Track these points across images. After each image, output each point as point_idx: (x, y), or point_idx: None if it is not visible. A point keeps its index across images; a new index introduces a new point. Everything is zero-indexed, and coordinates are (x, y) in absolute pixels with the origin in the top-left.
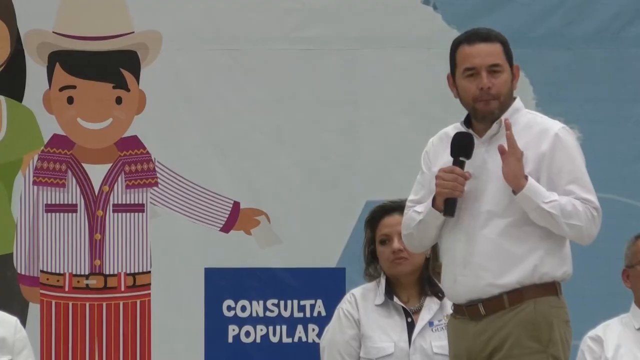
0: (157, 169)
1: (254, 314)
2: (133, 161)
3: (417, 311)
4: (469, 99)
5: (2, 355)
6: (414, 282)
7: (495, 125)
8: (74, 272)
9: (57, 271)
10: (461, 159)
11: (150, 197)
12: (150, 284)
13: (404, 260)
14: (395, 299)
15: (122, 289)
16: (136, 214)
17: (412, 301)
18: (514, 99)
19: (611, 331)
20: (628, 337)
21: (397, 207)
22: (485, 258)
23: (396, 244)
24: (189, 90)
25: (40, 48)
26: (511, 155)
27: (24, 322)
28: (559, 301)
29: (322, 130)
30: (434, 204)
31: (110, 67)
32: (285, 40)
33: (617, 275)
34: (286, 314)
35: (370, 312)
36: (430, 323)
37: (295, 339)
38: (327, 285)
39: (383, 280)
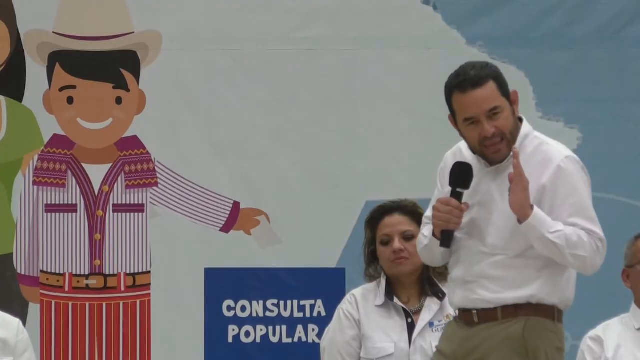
0: (157, 169)
1: (254, 314)
2: (133, 161)
3: (418, 312)
4: (475, 145)
5: (4, 356)
6: (414, 282)
7: (506, 162)
8: (74, 272)
9: (57, 271)
10: (458, 190)
11: (150, 197)
12: (150, 284)
13: (405, 260)
14: (396, 300)
15: (122, 289)
16: (136, 214)
17: (412, 302)
18: (520, 120)
19: (611, 331)
20: (628, 337)
21: (397, 207)
22: (483, 280)
23: (397, 244)
24: (189, 90)
25: (40, 48)
26: (518, 184)
27: (24, 322)
28: (554, 326)
29: (322, 130)
30: (434, 233)
31: (110, 67)
32: (285, 40)
33: (617, 275)
34: (286, 314)
35: (371, 312)
36: (431, 323)
37: (295, 339)
38: (327, 286)
39: (383, 281)
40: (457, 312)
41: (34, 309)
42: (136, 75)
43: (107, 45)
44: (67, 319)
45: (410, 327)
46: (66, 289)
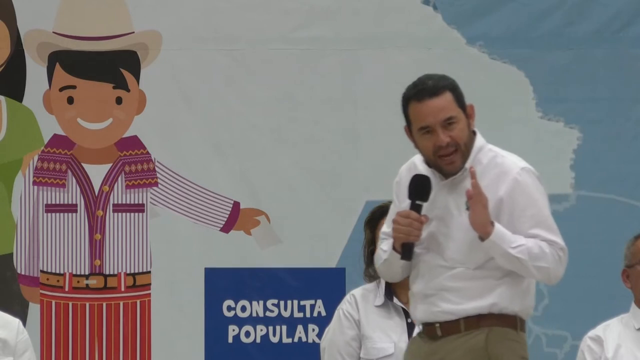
0: (157, 169)
1: (254, 314)
2: (133, 161)
3: None
4: (429, 155)
5: (5, 356)
6: None
7: (461, 174)
8: (74, 272)
9: (57, 271)
10: (418, 202)
11: (150, 197)
12: (150, 284)
13: None
14: (395, 300)
15: (122, 289)
16: (136, 214)
17: None
18: (475, 135)
19: (611, 331)
20: (628, 337)
21: None
22: (443, 292)
23: None
24: (189, 90)
25: (40, 48)
26: (477, 203)
27: (24, 322)
28: (517, 335)
29: (322, 130)
30: (394, 247)
31: (110, 67)
32: (285, 40)
33: (617, 275)
34: (286, 314)
35: (371, 312)
36: None
37: (295, 339)
38: (327, 286)
39: (383, 282)
40: (420, 327)
41: (34, 309)
42: (136, 75)
43: (107, 45)
44: (67, 319)
45: (410, 327)
46: (66, 289)
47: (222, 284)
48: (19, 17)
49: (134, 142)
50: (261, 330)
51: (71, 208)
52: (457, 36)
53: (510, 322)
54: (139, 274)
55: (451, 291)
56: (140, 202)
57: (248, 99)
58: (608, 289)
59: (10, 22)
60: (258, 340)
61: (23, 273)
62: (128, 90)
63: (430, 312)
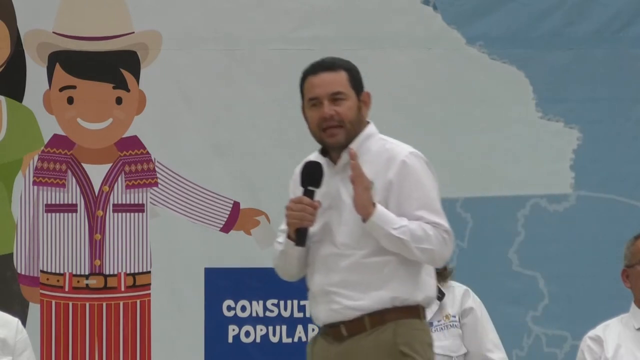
0: (157, 169)
1: (254, 314)
2: (133, 161)
3: None
4: (315, 128)
5: (4, 356)
6: None
7: (344, 155)
8: (74, 272)
9: (57, 271)
10: (310, 188)
11: (150, 197)
12: (150, 284)
13: None
14: None
15: (122, 289)
16: (136, 214)
17: None
18: (367, 124)
19: (611, 331)
20: (628, 337)
21: None
22: (341, 288)
23: None
24: (189, 90)
25: (40, 48)
26: (358, 185)
27: (24, 322)
28: (422, 324)
29: None
30: (288, 235)
31: (110, 67)
32: (285, 40)
33: (617, 275)
34: (286, 314)
35: None
36: (430, 323)
37: (295, 339)
38: None
39: None
40: (322, 327)
41: (34, 309)
42: (136, 75)
43: (107, 45)
44: (67, 319)
45: None
46: (66, 289)
47: (222, 284)
48: (19, 17)
49: (134, 142)
50: (261, 330)
51: (71, 208)
52: (457, 36)
53: (414, 312)
54: (139, 274)
55: (350, 286)
56: (140, 202)
57: (248, 99)
58: (608, 289)
59: (10, 22)
60: (258, 340)
61: (23, 273)
62: (128, 90)
63: (333, 311)
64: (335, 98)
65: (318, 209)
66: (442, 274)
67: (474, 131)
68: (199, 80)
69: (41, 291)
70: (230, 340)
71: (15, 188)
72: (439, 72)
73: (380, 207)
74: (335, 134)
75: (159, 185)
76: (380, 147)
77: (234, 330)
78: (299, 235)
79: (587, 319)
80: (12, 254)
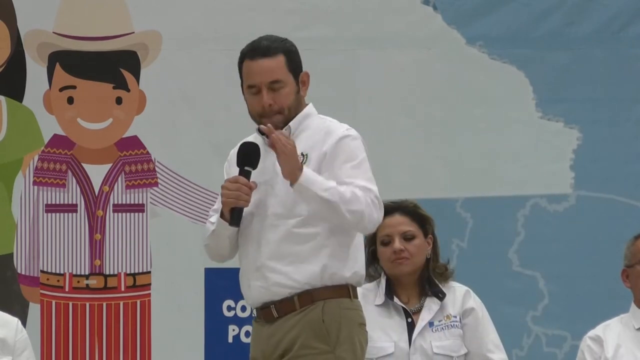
0: (157, 169)
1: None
2: (133, 161)
3: (417, 311)
4: (254, 114)
5: (3, 356)
6: (414, 282)
7: (285, 132)
8: (74, 272)
9: (57, 271)
10: (246, 168)
11: (150, 197)
12: (150, 284)
13: (405, 261)
14: (396, 299)
15: (122, 289)
16: (136, 214)
17: (412, 301)
18: (307, 105)
19: (611, 331)
20: (628, 337)
21: (398, 208)
22: (272, 260)
23: (397, 244)
24: (189, 90)
25: (40, 48)
26: (281, 153)
27: (24, 322)
28: (352, 303)
29: None
30: (222, 215)
31: (110, 67)
32: None
33: (617, 275)
34: None
35: (371, 312)
36: (430, 323)
37: None
38: None
39: (383, 281)
40: (255, 311)
41: (34, 309)
42: (136, 75)
43: (107, 45)
44: (67, 319)
45: (410, 327)
46: (66, 289)
47: (222, 284)
48: (19, 17)
49: (134, 142)
50: None
51: (71, 208)
52: (457, 36)
53: (344, 292)
54: (139, 274)
55: (279, 258)
56: (140, 202)
57: None
58: (608, 289)
59: (10, 22)
60: None
61: (23, 273)
62: (128, 90)
63: (263, 288)
64: (273, 87)
65: (253, 190)
66: (444, 274)
67: (474, 131)
68: (199, 80)
69: (41, 291)
70: (230, 340)
71: (15, 188)
72: (439, 72)
73: (307, 170)
74: (273, 118)
75: (159, 185)
76: (320, 124)
77: (234, 330)
78: (234, 215)
79: (587, 319)
80: (12, 254)
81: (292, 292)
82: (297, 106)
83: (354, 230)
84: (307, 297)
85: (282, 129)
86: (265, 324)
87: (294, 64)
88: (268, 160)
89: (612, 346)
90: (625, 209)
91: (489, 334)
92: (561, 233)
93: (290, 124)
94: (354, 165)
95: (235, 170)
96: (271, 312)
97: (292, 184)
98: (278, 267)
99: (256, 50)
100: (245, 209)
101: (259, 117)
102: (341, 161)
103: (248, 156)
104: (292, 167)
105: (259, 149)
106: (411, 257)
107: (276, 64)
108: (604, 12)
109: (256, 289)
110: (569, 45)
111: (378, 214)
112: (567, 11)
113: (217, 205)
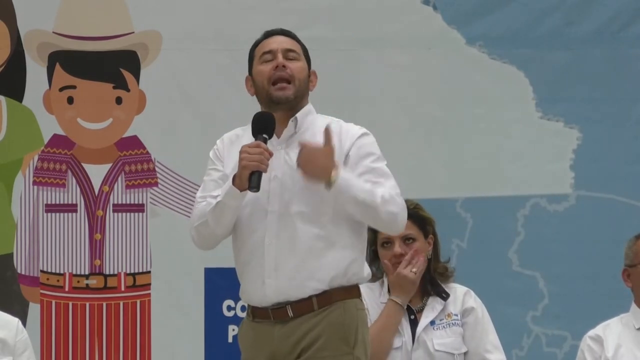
0: (157, 169)
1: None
2: (133, 161)
3: (420, 310)
4: (264, 82)
5: (4, 356)
6: None
7: (291, 124)
8: (74, 272)
9: (57, 271)
10: (264, 136)
11: (150, 197)
12: (150, 284)
13: None
14: None
15: (122, 288)
16: (136, 214)
17: (414, 301)
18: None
19: (611, 331)
20: (628, 337)
21: None
22: (298, 260)
23: (397, 248)
24: (189, 90)
25: (40, 48)
26: (322, 152)
27: (24, 322)
28: (361, 304)
29: None
30: (234, 182)
31: (110, 67)
32: None
33: (617, 275)
34: None
35: (376, 308)
36: (432, 322)
37: None
38: None
39: (386, 280)
40: (251, 311)
41: (34, 309)
42: (136, 75)
43: (107, 45)
44: (67, 319)
45: (413, 324)
46: (66, 289)
47: (222, 284)
48: (19, 17)
49: (134, 142)
50: None
51: (71, 208)
52: (457, 36)
53: (356, 292)
54: (139, 273)
55: (304, 259)
56: (140, 202)
57: (248, 99)
58: (608, 289)
59: (10, 22)
60: None
61: (23, 273)
62: (128, 90)
63: (282, 287)
64: (289, 57)
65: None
66: (445, 275)
67: (473, 131)
68: (199, 80)
69: (41, 291)
70: (230, 340)
71: (15, 188)
72: (439, 72)
73: (343, 172)
74: (285, 88)
75: (159, 185)
76: (329, 124)
77: (234, 330)
78: (255, 179)
79: (587, 319)
80: (12, 254)
81: (313, 293)
82: (306, 90)
83: (385, 230)
84: (326, 298)
85: (291, 98)
86: (276, 324)
87: (308, 57)
88: (276, 158)
89: (612, 346)
90: (625, 209)
91: (488, 335)
92: (561, 233)
93: (297, 115)
94: (379, 168)
95: (230, 160)
96: (286, 311)
97: (327, 185)
98: (303, 268)
99: (274, 31)
100: (248, 204)
101: (268, 83)
102: (367, 163)
103: (264, 125)
104: (330, 167)
105: (274, 118)
106: None
107: (293, 43)
108: (603, 12)
109: (272, 288)
110: (568, 45)
111: (405, 218)
112: (567, 11)
113: (207, 192)
